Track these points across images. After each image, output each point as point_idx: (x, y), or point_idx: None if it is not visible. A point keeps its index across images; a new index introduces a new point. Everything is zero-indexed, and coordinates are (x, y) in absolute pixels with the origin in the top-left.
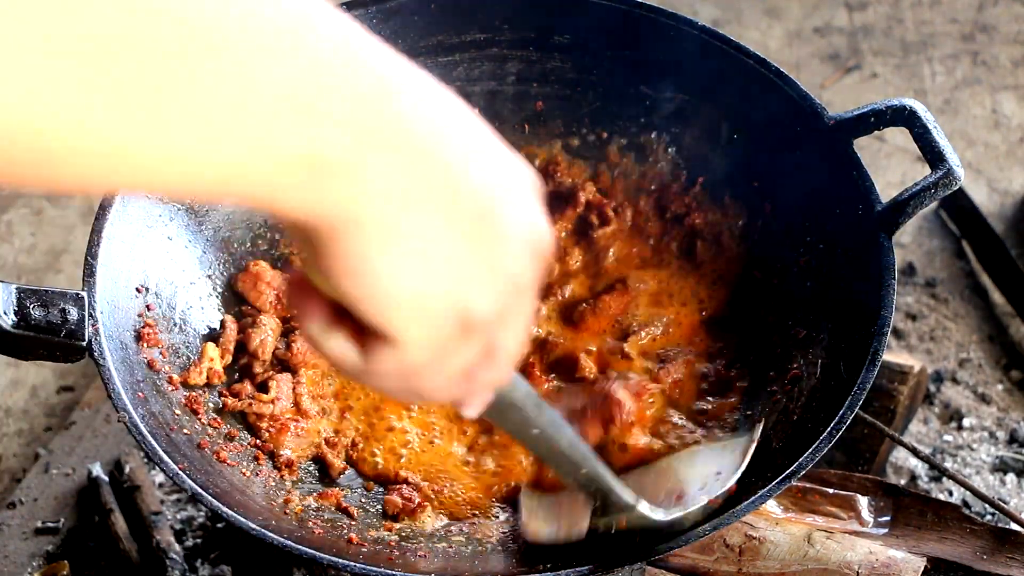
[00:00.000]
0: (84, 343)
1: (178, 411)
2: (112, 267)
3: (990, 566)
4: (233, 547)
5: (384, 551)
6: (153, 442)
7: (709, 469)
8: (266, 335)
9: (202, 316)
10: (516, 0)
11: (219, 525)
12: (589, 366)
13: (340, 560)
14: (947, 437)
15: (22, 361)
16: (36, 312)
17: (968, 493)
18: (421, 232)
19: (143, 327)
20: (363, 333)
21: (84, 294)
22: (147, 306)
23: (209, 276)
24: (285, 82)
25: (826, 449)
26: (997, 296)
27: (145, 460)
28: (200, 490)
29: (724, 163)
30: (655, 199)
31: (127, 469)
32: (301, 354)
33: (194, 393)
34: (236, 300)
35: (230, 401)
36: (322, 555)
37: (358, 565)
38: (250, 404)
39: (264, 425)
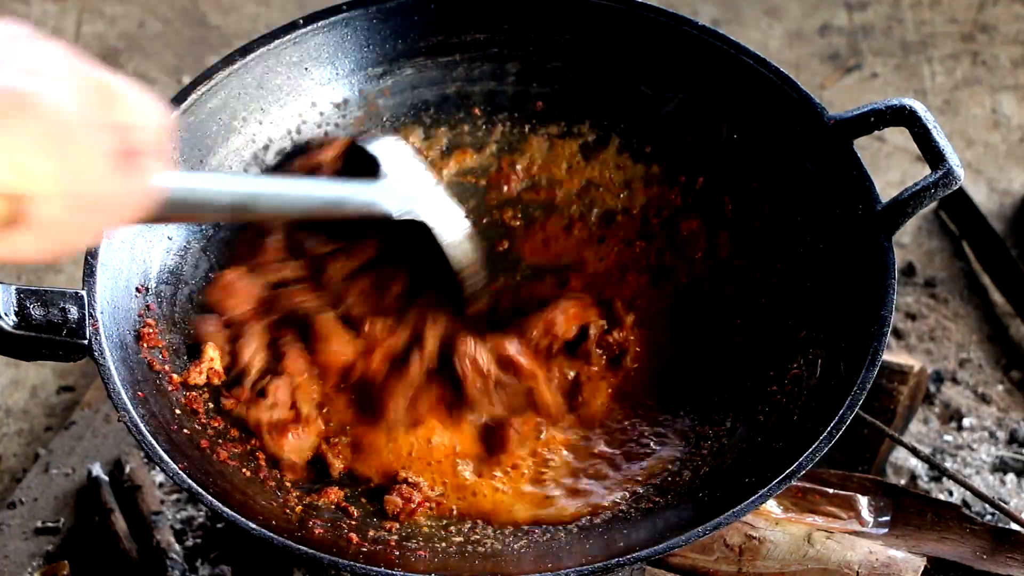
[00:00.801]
0: (85, 341)
1: (178, 411)
2: (112, 267)
3: (990, 566)
4: (233, 547)
5: (384, 551)
6: (153, 442)
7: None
8: (254, 346)
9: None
10: (516, 0)
11: (219, 525)
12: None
13: (340, 560)
14: (947, 437)
15: (22, 362)
16: (36, 312)
17: (968, 493)
18: None
19: (143, 327)
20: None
21: (83, 293)
22: (147, 306)
23: (209, 276)
24: None
25: (826, 449)
26: (997, 296)
27: (145, 460)
28: (200, 490)
29: (724, 163)
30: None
31: (127, 469)
32: (293, 360)
33: (194, 393)
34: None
35: (230, 404)
36: (322, 555)
37: (358, 565)
38: (248, 409)
39: (264, 430)
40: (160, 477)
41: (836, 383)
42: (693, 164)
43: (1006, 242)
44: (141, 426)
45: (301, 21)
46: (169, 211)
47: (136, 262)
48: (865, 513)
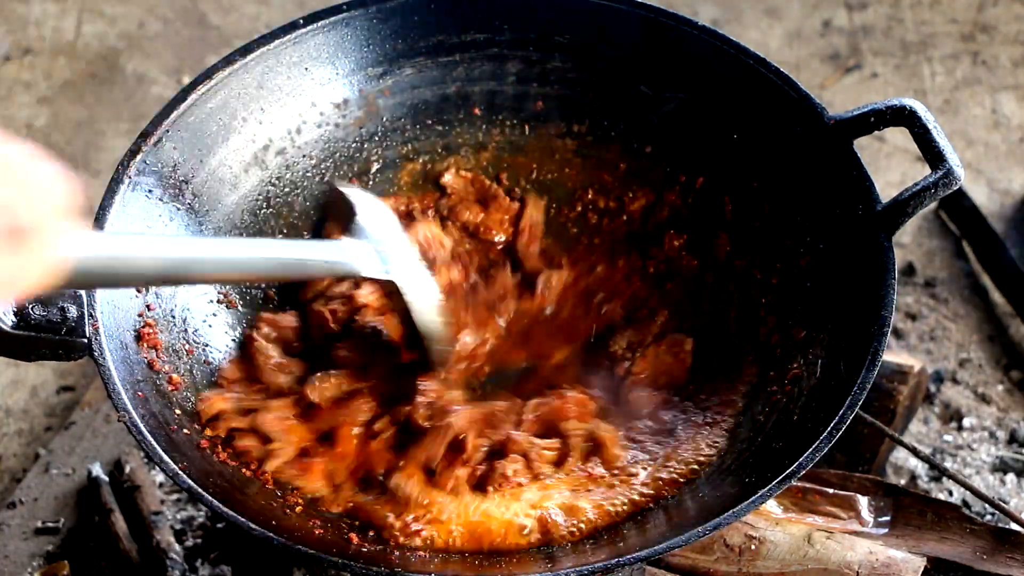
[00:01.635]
0: (85, 339)
1: (178, 411)
2: None
3: (990, 566)
4: (233, 547)
5: (384, 551)
6: (153, 442)
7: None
8: (276, 417)
9: (202, 316)
10: (516, 0)
11: (219, 525)
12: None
13: (340, 560)
14: (947, 437)
15: (23, 362)
16: (36, 312)
17: (968, 493)
18: None
19: (143, 327)
20: None
21: (83, 292)
22: (147, 306)
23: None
24: None
25: (826, 449)
26: (997, 296)
27: (145, 460)
28: (200, 490)
29: (724, 163)
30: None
31: (127, 469)
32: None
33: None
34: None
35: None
36: (322, 555)
37: (358, 565)
38: (258, 465)
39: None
40: (160, 477)
41: (836, 383)
42: (693, 164)
43: (1006, 242)
44: (141, 426)
45: (301, 21)
46: (81, 280)
47: None
48: (865, 513)
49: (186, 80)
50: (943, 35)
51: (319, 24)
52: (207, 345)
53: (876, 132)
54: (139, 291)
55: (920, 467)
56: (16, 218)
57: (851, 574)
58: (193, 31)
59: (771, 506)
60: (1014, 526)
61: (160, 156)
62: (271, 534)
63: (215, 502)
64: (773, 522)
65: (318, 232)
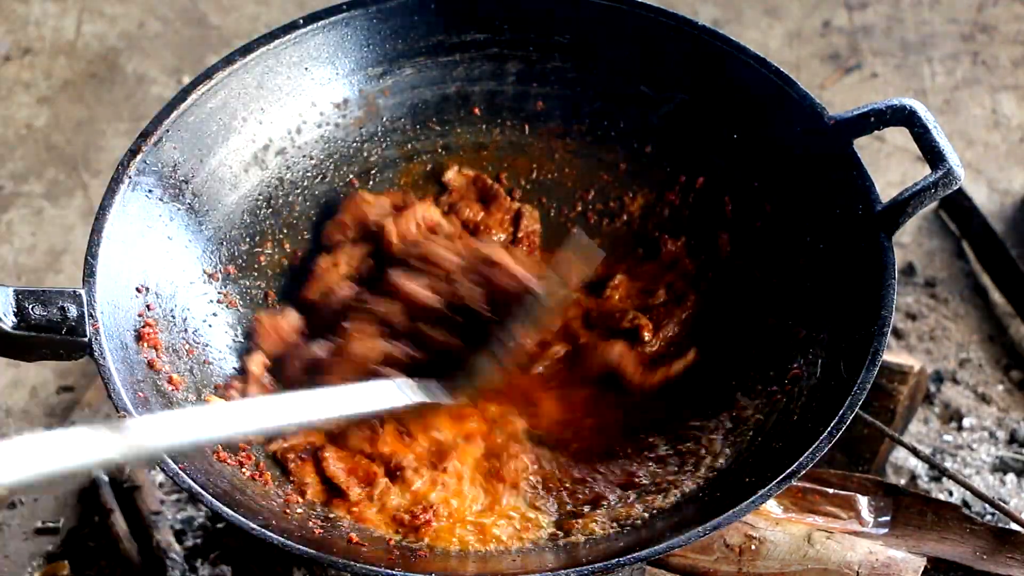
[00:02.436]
0: (85, 339)
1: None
2: (112, 267)
3: (990, 566)
4: (233, 547)
5: (384, 551)
6: None
7: None
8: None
9: (202, 316)
10: (516, 0)
11: (219, 525)
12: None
13: (340, 560)
14: (947, 437)
15: (23, 362)
16: (36, 312)
17: (968, 493)
18: None
19: (143, 327)
20: None
21: (81, 291)
22: (147, 306)
23: (209, 275)
24: None
25: (826, 449)
26: (997, 296)
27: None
28: (200, 490)
29: (724, 163)
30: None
31: (127, 469)
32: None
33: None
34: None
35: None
36: (322, 555)
37: (358, 565)
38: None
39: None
40: (160, 477)
41: (836, 383)
42: (693, 164)
43: (1006, 242)
44: None
45: (301, 21)
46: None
47: (136, 262)
48: (865, 513)
49: (186, 80)
50: (943, 35)
51: (319, 24)
52: (207, 345)
53: (876, 132)
54: (139, 291)
55: (920, 467)
56: None
57: (851, 574)
58: (193, 31)
59: (771, 506)
60: (1014, 526)
61: (160, 156)
62: (271, 534)
63: (215, 502)
64: (773, 522)
65: (317, 232)
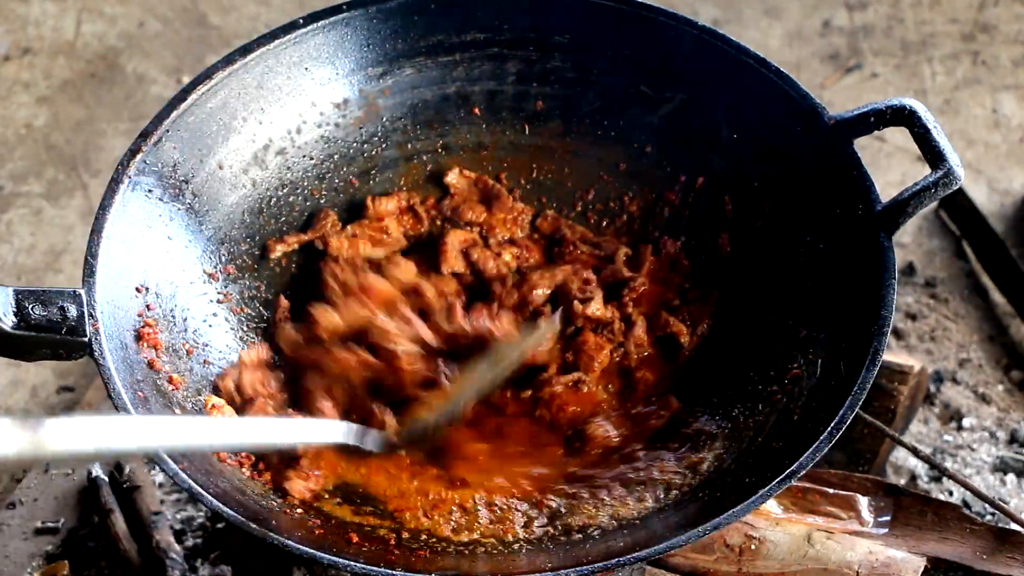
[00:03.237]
0: (85, 339)
1: (178, 410)
2: (112, 267)
3: (990, 566)
4: (233, 547)
5: (384, 551)
6: None
7: None
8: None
9: (202, 316)
10: (516, 0)
11: (219, 525)
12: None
13: (341, 560)
14: (947, 437)
15: (23, 362)
16: (36, 312)
17: (968, 493)
18: None
19: (143, 327)
20: None
21: (81, 291)
22: (147, 306)
23: (209, 275)
24: None
25: (827, 449)
26: (997, 296)
27: (145, 460)
28: (200, 490)
29: (724, 163)
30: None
31: (127, 469)
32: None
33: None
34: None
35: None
36: (323, 554)
37: (358, 565)
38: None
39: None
40: (160, 477)
41: (836, 383)
42: (693, 164)
43: (1006, 242)
44: None
45: (301, 21)
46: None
47: (136, 262)
48: (865, 513)
49: (186, 80)
50: (943, 35)
51: (319, 24)
52: (207, 345)
53: (876, 132)
54: (139, 291)
55: (920, 467)
56: None
57: (851, 574)
58: (193, 31)
59: (771, 506)
60: (1014, 526)
61: (160, 156)
62: (272, 534)
63: (216, 502)
64: (773, 522)
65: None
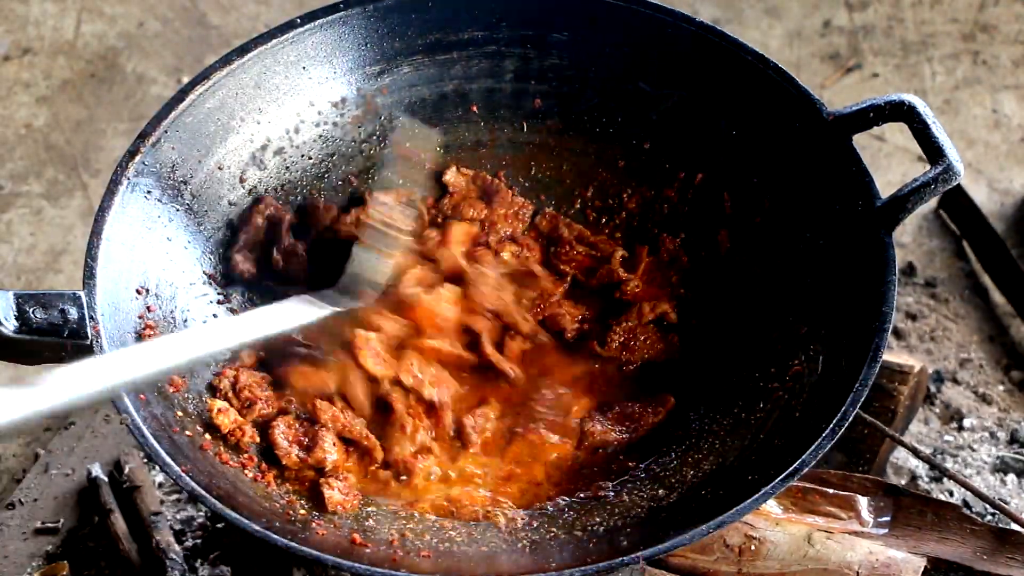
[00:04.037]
0: (87, 341)
1: (179, 412)
2: (112, 269)
3: (990, 566)
4: (233, 547)
5: (387, 551)
6: (155, 444)
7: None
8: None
9: (202, 317)
10: None
11: (219, 525)
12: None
13: (344, 561)
14: (948, 437)
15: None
16: (37, 315)
17: (968, 493)
18: None
19: (144, 328)
20: None
21: (82, 294)
22: (147, 307)
23: (209, 276)
24: None
25: (829, 446)
26: (997, 296)
27: (145, 460)
28: (203, 492)
29: (723, 159)
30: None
31: (127, 469)
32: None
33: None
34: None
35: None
36: (325, 556)
37: (361, 566)
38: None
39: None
40: (160, 477)
41: (838, 380)
42: (692, 160)
43: (1006, 242)
44: (143, 428)
45: (299, 20)
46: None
47: (136, 263)
48: (865, 513)
49: (186, 80)
50: (943, 35)
51: (317, 23)
52: None
53: (876, 132)
54: (139, 293)
55: (920, 467)
56: None
57: (851, 574)
58: (193, 31)
59: (771, 506)
60: (1014, 526)
61: (159, 157)
62: (275, 535)
63: (218, 504)
64: (773, 522)
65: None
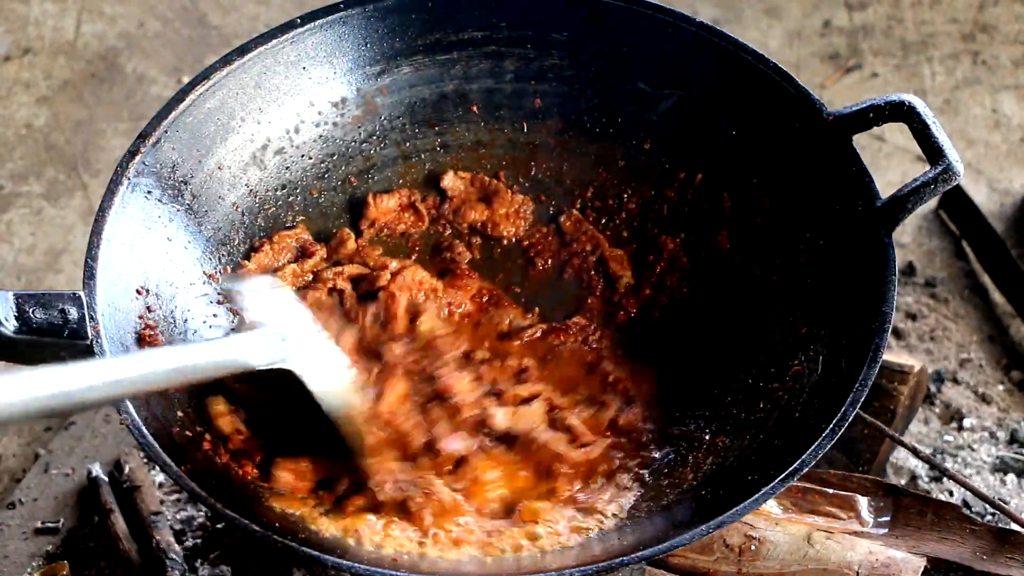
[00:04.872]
0: (87, 341)
1: (180, 412)
2: (112, 269)
3: (990, 566)
4: (233, 547)
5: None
6: (156, 444)
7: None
8: None
9: (202, 317)
10: None
11: (219, 525)
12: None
13: (344, 561)
14: (947, 437)
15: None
16: (37, 315)
17: (968, 493)
18: None
19: (144, 329)
20: None
21: (82, 293)
22: (147, 307)
23: (209, 276)
24: None
25: (829, 446)
26: (997, 296)
27: (145, 460)
28: (203, 492)
29: (722, 159)
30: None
31: (127, 469)
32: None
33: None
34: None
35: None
36: (325, 556)
37: (361, 566)
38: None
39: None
40: (160, 477)
41: (838, 380)
42: (692, 160)
43: (1006, 242)
44: (143, 428)
45: (299, 20)
46: None
47: (136, 264)
48: (865, 513)
49: (186, 80)
50: (943, 35)
51: (317, 23)
52: None
53: (876, 132)
54: (139, 293)
55: (920, 467)
56: None
57: (851, 574)
58: (193, 31)
59: (771, 506)
60: (1014, 526)
61: (159, 157)
62: (276, 536)
63: (218, 504)
64: (773, 522)
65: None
